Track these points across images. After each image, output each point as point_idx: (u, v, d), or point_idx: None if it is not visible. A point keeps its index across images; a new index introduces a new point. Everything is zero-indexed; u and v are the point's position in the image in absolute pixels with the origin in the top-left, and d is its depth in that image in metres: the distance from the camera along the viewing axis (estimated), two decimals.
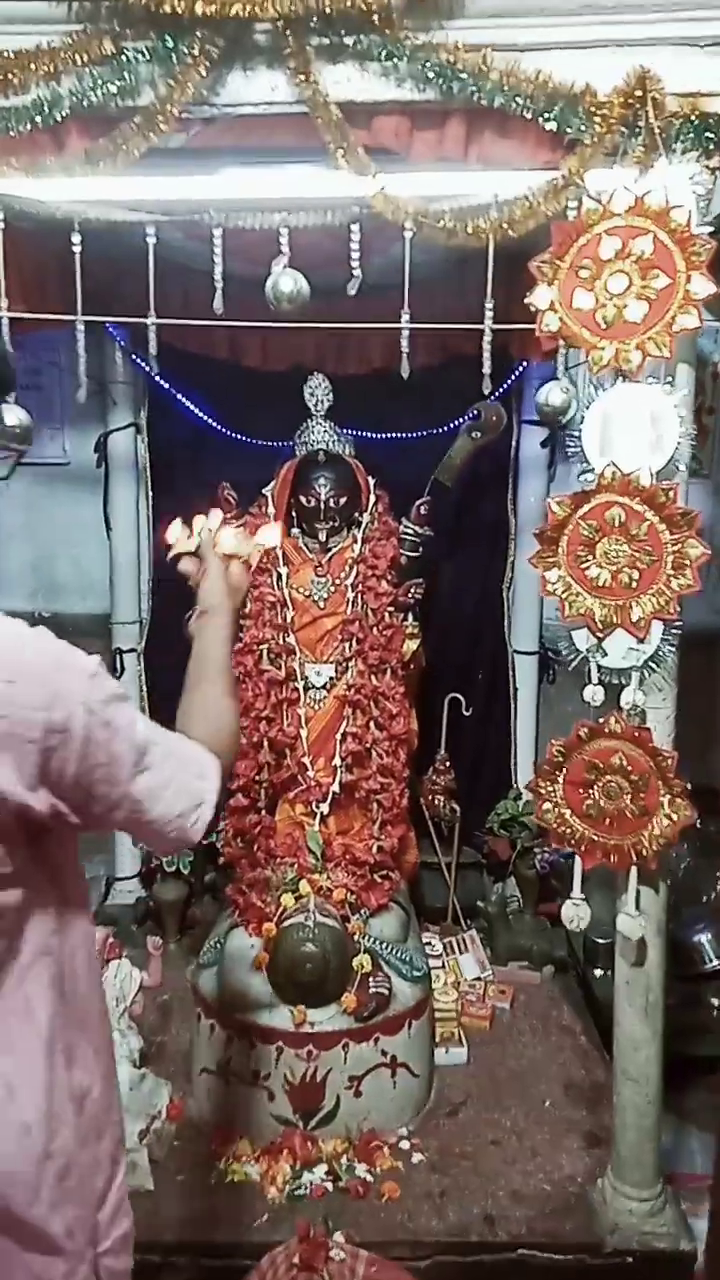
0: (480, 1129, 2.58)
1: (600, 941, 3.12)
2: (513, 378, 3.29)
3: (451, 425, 3.17)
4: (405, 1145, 2.51)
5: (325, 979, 2.47)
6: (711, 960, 3.26)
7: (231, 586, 1.44)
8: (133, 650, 3.67)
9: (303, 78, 1.83)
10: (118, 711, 1.06)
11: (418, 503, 3.00)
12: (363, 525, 2.97)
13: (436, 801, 3.47)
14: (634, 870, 2.05)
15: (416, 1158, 2.47)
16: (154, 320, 2.10)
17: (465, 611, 3.63)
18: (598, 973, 3.21)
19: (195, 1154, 2.49)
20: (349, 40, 1.82)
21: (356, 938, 2.61)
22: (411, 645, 2.98)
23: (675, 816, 1.98)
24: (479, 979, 3.19)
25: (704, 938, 3.28)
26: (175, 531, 1.49)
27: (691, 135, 1.84)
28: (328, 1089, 2.49)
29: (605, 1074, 2.76)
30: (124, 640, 3.67)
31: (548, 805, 2.09)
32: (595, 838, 2.05)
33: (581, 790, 2.05)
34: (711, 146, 1.85)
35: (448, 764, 3.48)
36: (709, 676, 2.20)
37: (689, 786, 1.97)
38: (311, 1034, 2.47)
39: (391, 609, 2.91)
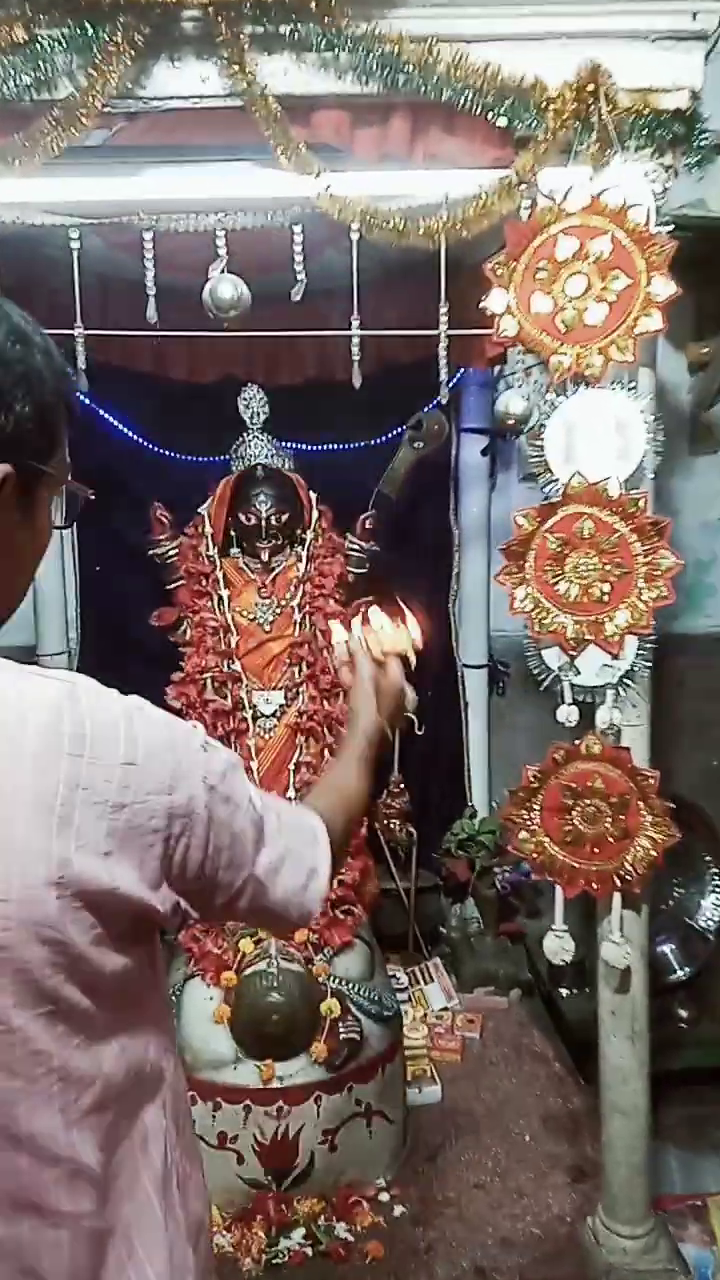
0: (461, 1172, 2.46)
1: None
2: (450, 385, 3.20)
3: (390, 435, 3.07)
4: (385, 1198, 2.38)
5: (293, 1029, 2.32)
6: (677, 970, 3.22)
7: (383, 690, 1.28)
8: None
9: (236, 69, 1.70)
10: (236, 783, 0.91)
11: (362, 517, 2.88)
12: (306, 543, 2.83)
13: (392, 826, 3.35)
14: (617, 895, 1.96)
15: (398, 1210, 2.34)
16: (81, 332, 1.93)
17: None
18: (563, 992, 3.13)
19: None
20: (285, 29, 1.69)
21: (322, 980, 2.47)
22: None
23: (658, 837, 1.90)
24: (446, 1009, 3.09)
25: (667, 948, 3.24)
26: (338, 636, 1.37)
27: (645, 131, 1.77)
28: (301, 1146, 2.33)
29: (582, 1101, 2.68)
30: None
31: (524, 834, 1.98)
32: (576, 865, 1.96)
33: (559, 816, 1.95)
34: (665, 143, 1.79)
35: (402, 786, 3.36)
36: (660, 684, 2.17)
37: (672, 805, 1.90)
38: (281, 1089, 2.32)
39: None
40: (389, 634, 1.33)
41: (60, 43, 1.66)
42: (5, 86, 1.67)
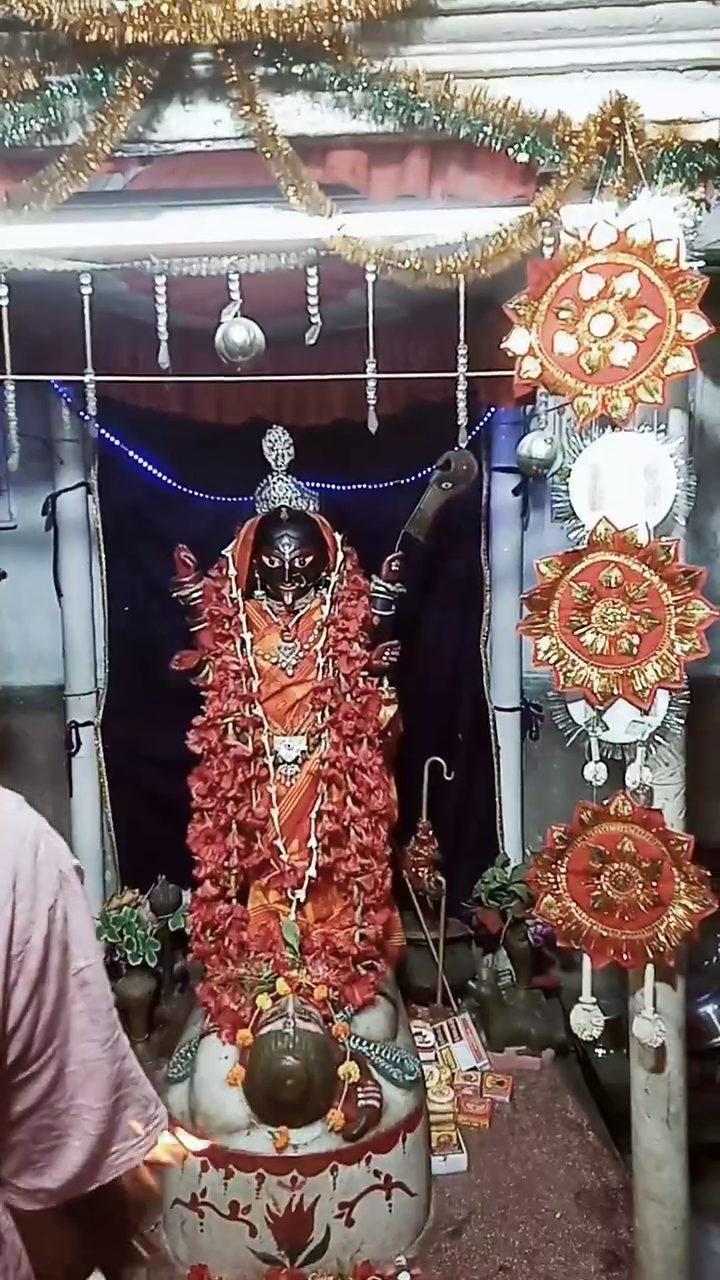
0: (487, 1251, 2.32)
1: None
2: (481, 425, 3.14)
3: (420, 474, 3.01)
4: (405, 1277, 2.25)
5: (309, 1095, 2.22)
6: (719, 1034, 3.05)
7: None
8: (89, 723, 3.43)
9: (248, 110, 1.66)
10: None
11: (389, 558, 2.82)
12: (331, 585, 2.77)
13: (420, 874, 3.24)
14: (649, 967, 1.84)
15: None
16: (91, 378, 1.90)
17: (442, 669, 3.44)
18: (600, 1052, 2.98)
19: None
20: (298, 69, 1.66)
21: (341, 1040, 2.37)
22: (388, 712, 2.77)
23: (694, 906, 1.78)
24: (475, 1069, 2.96)
25: (710, 1009, 3.06)
26: None
27: (674, 165, 1.69)
28: (316, 1219, 2.22)
29: (618, 1176, 2.53)
30: (79, 713, 3.42)
31: (549, 899, 1.88)
32: (605, 933, 1.84)
33: (586, 880, 1.84)
34: (696, 176, 1.71)
35: (430, 832, 3.26)
36: (694, 728, 2.07)
37: (709, 873, 1.78)
38: (296, 1158, 2.21)
39: (365, 674, 2.70)
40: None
41: (70, 88, 1.64)
42: (16, 133, 1.65)
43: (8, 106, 1.63)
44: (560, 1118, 2.80)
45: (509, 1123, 2.77)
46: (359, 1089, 2.29)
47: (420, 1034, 2.96)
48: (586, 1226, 2.40)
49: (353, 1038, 2.40)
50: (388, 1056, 2.42)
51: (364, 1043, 2.42)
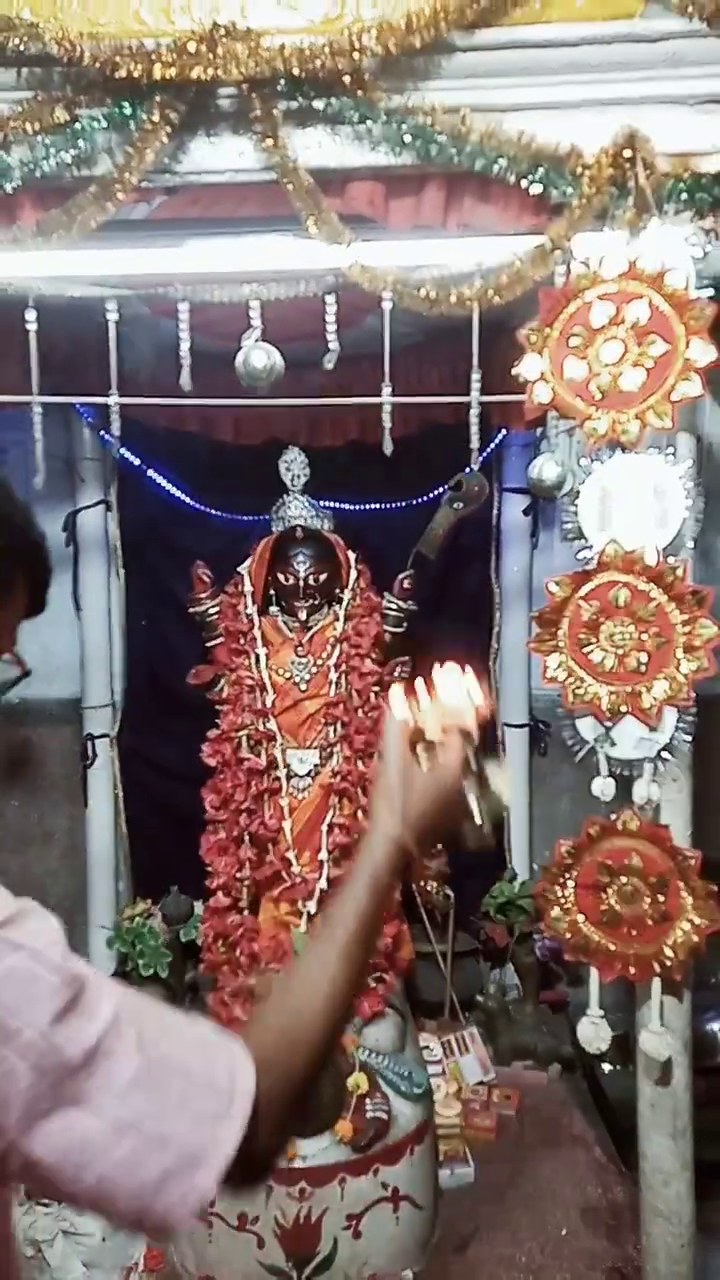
0: (493, 1268, 2.33)
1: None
2: (492, 446, 3.19)
3: (432, 495, 3.06)
4: None
5: (317, 1106, 2.24)
6: None
7: (420, 788, 0.89)
8: (105, 735, 3.47)
9: (270, 143, 1.72)
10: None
11: (400, 576, 2.86)
12: (344, 602, 2.82)
13: (429, 887, 3.26)
14: (656, 981, 1.86)
15: None
16: (116, 400, 1.96)
17: None
18: (606, 1068, 2.99)
19: None
20: (319, 104, 1.71)
21: (349, 1052, 2.39)
22: None
23: (700, 921, 1.80)
24: (482, 1083, 2.97)
25: (718, 1025, 3.07)
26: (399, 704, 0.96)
27: (684, 195, 1.74)
28: (323, 1231, 2.24)
29: (624, 1192, 2.53)
30: (95, 725, 3.47)
31: (557, 912, 1.90)
32: (612, 946, 1.87)
33: (594, 895, 1.87)
34: (705, 207, 1.76)
35: (440, 846, 3.28)
36: (701, 745, 2.10)
37: (716, 888, 1.80)
38: (304, 1169, 2.23)
39: (377, 689, 2.74)
40: (450, 700, 0.93)
41: (99, 122, 1.70)
42: (47, 164, 1.72)
43: (40, 139, 1.70)
44: (567, 1132, 2.80)
45: (516, 1137, 2.78)
46: (367, 1100, 2.31)
47: (428, 1047, 2.97)
48: (593, 1243, 2.40)
49: (361, 1049, 2.42)
50: (396, 1069, 2.44)
51: (372, 1054, 2.44)
